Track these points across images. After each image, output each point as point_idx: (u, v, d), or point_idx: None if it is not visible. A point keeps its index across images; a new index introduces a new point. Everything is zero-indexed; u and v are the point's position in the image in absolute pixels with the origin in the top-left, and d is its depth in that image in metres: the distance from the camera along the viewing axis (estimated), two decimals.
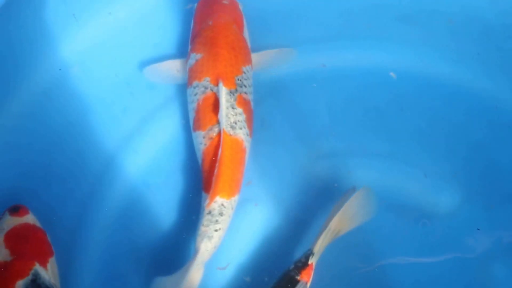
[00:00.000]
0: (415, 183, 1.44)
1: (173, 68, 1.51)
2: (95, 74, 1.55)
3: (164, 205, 1.45)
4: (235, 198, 1.34)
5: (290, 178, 1.47)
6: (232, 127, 1.36)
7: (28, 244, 1.27)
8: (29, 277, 1.22)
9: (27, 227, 1.29)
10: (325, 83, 1.54)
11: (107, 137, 1.51)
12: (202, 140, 1.38)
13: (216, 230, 1.29)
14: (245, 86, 1.42)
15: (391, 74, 1.52)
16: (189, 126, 1.45)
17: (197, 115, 1.41)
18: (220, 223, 1.30)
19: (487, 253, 1.38)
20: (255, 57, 1.50)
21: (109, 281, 1.40)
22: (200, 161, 1.39)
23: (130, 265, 1.41)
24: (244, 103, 1.40)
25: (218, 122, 1.36)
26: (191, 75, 1.44)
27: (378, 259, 1.39)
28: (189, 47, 1.50)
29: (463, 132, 1.48)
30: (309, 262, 1.26)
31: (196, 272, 1.26)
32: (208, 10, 1.52)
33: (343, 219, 1.30)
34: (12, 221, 1.30)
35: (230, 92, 1.38)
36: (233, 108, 1.38)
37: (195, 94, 1.41)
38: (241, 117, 1.38)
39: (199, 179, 1.39)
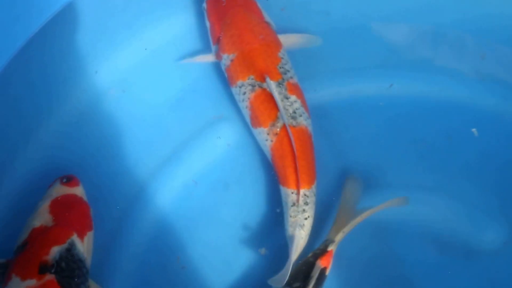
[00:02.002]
0: (461, 218, 1.41)
1: (205, 61, 1.53)
2: (133, 97, 1.54)
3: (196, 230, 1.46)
4: (315, 184, 1.36)
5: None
6: (293, 117, 1.37)
7: (71, 214, 1.29)
8: (65, 245, 1.24)
9: (74, 198, 1.32)
10: (370, 111, 1.53)
11: (142, 161, 1.50)
12: (267, 136, 1.39)
13: (305, 219, 1.33)
14: (288, 71, 1.42)
15: (473, 130, 1.49)
16: (225, 152, 1.49)
17: (253, 113, 1.41)
18: (307, 212, 1.33)
19: None
20: (281, 38, 1.49)
21: None
22: (269, 157, 1.40)
23: (161, 282, 1.41)
24: (295, 88, 1.40)
25: (278, 117, 1.37)
26: (232, 75, 1.44)
27: None
28: (215, 48, 1.49)
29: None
30: (328, 249, 1.29)
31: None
32: (220, 8, 1.49)
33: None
34: (61, 190, 1.33)
35: (279, 84, 1.39)
36: (287, 98, 1.38)
37: (244, 93, 1.42)
38: (297, 103, 1.39)
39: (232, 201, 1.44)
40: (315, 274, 1.26)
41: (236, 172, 1.49)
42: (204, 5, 1.52)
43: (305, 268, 1.29)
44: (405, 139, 1.50)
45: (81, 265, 1.24)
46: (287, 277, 1.27)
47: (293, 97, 1.38)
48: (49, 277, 1.19)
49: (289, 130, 1.34)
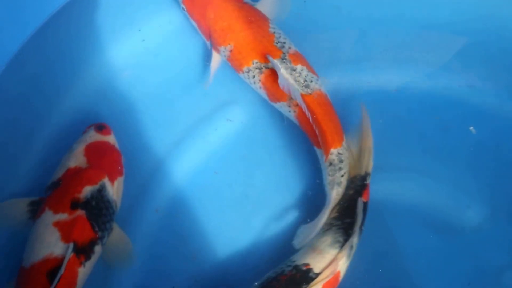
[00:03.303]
0: (444, 198, 1.51)
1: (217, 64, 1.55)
2: (148, 77, 1.59)
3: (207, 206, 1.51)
4: (344, 140, 1.41)
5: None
6: (306, 86, 1.40)
7: (103, 159, 1.38)
8: (97, 186, 1.33)
9: (106, 145, 1.41)
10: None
11: (158, 138, 1.54)
12: (289, 108, 1.44)
13: (342, 176, 1.38)
14: (285, 42, 1.44)
15: (471, 129, 1.56)
16: (237, 131, 1.54)
17: (268, 92, 1.46)
18: (343, 169, 1.39)
19: (504, 265, 1.45)
20: (261, 9, 1.50)
21: (151, 273, 1.45)
22: (298, 124, 1.46)
23: (174, 261, 1.46)
24: (297, 57, 1.43)
25: None
26: (235, 64, 1.47)
27: (404, 265, 1.45)
28: (210, 43, 1.51)
29: (492, 152, 1.54)
30: (366, 182, 1.38)
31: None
32: (198, 4, 1.51)
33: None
34: (95, 136, 1.41)
35: (282, 60, 1.41)
36: (294, 70, 1.40)
37: (253, 77, 1.46)
38: (305, 71, 1.41)
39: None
40: (360, 210, 1.34)
41: (250, 150, 1.55)
42: (182, 5, 1.54)
43: (349, 205, 1.36)
44: (396, 125, 1.56)
45: (109, 206, 1.33)
46: (321, 225, 1.34)
47: (299, 67, 1.41)
48: (80, 212, 1.28)
49: (306, 100, 1.37)
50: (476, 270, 1.45)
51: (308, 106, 1.37)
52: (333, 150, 1.38)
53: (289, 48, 1.44)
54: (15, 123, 1.48)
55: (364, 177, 1.38)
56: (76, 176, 1.34)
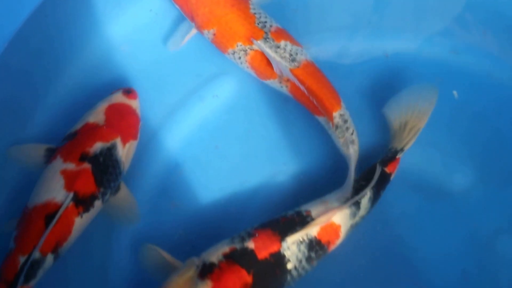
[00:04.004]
0: (435, 163, 1.56)
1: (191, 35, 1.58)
2: (141, 53, 1.64)
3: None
4: (342, 101, 1.47)
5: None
6: (293, 60, 1.44)
7: (121, 121, 1.46)
8: (108, 144, 1.39)
9: (128, 108, 1.48)
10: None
11: (152, 110, 1.58)
12: (281, 84, 1.49)
13: (351, 134, 1.44)
14: (266, 21, 1.48)
15: (454, 93, 1.60)
16: (228, 101, 1.59)
17: (257, 71, 1.51)
18: (350, 127, 1.45)
19: (497, 230, 1.50)
20: None
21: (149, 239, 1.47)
22: (293, 97, 1.51)
23: (169, 226, 1.50)
24: (278, 33, 1.47)
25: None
26: (220, 46, 1.52)
27: (395, 230, 1.50)
28: (193, 24, 1.54)
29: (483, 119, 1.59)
30: (397, 157, 1.43)
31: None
32: None
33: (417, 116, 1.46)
34: (120, 98, 1.49)
35: (265, 39, 1.46)
36: (278, 47, 1.45)
37: (239, 58, 1.51)
38: (289, 45, 1.46)
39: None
40: (377, 174, 1.39)
41: (239, 122, 1.60)
42: None
43: (369, 170, 1.42)
44: (385, 90, 1.58)
45: (116, 165, 1.39)
46: (351, 188, 1.39)
47: (282, 43, 1.45)
48: (86, 165, 1.35)
49: (295, 74, 1.41)
50: (468, 234, 1.50)
51: (300, 80, 1.41)
52: (335, 114, 1.44)
53: (270, 26, 1.48)
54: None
55: (397, 151, 1.43)
56: (91, 131, 1.40)
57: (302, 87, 1.41)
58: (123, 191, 1.44)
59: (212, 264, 1.24)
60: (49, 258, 1.31)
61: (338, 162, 1.48)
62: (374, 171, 1.40)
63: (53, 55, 1.58)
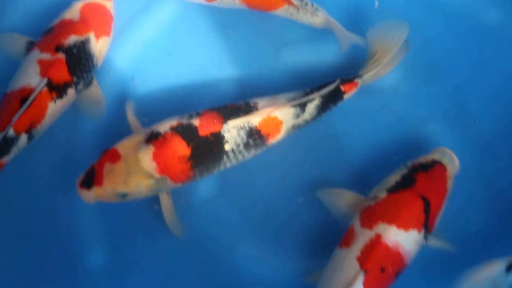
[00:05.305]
0: None
1: None
2: None
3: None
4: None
5: None
6: None
7: (95, 18, 1.54)
8: (81, 37, 1.49)
9: (103, 8, 1.57)
10: None
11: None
12: None
13: (312, 5, 1.56)
14: None
15: (376, 3, 1.65)
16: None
17: None
18: (308, 2, 1.55)
19: (425, 116, 1.60)
20: None
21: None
22: (247, 6, 1.59)
23: None
24: None
25: None
26: None
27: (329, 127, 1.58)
28: None
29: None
30: (355, 80, 1.49)
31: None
32: None
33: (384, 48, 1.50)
34: None
35: None
36: None
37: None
38: None
39: None
40: (331, 86, 1.46)
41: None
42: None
43: (328, 85, 1.47)
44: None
45: (89, 58, 1.50)
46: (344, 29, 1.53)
47: None
48: (60, 55, 1.46)
49: None
50: (398, 122, 1.59)
51: None
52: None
53: None
54: None
55: (357, 76, 1.49)
56: (66, 25, 1.50)
57: None
58: (95, 86, 1.54)
59: (159, 133, 1.38)
60: (23, 137, 1.42)
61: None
62: (330, 86, 1.47)
63: None
